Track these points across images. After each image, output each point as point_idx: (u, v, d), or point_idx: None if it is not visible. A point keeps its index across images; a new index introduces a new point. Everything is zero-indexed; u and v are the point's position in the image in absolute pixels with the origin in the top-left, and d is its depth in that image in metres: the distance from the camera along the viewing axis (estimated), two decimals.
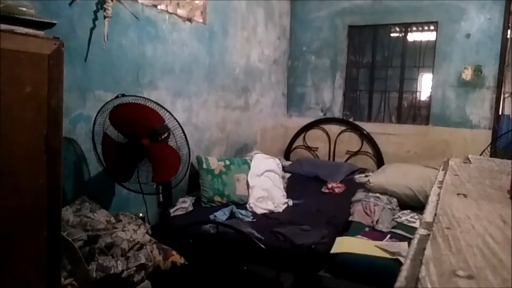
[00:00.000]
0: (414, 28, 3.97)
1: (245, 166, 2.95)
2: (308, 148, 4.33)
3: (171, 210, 2.41)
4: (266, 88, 3.96)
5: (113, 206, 2.26)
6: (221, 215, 2.45)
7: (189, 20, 2.79)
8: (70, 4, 1.94)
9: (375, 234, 2.30)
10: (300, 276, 2.04)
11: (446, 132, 3.68)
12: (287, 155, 4.38)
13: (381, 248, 2.02)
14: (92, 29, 2.06)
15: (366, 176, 3.44)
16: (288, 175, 3.46)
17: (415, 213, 2.70)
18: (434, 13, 3.69)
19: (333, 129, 4.20)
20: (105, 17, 2.07)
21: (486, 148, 3.38)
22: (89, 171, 2.15)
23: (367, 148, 4.03)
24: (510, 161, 1.09)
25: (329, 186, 3.30)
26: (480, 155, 3.30)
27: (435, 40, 3.74)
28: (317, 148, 4.29)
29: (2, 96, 1.08)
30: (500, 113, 3.50)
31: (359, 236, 2.25)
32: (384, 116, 4.11)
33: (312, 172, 3.65)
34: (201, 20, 2.95)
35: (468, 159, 1.13)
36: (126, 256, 1.66)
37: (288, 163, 4.01)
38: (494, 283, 0.33)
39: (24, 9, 1.19)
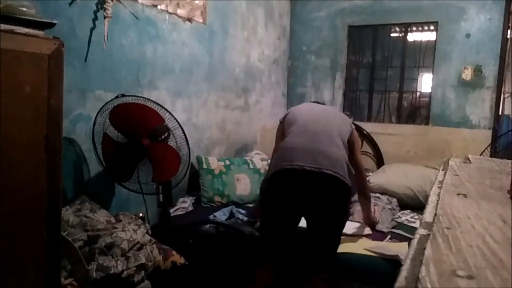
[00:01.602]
0: (414, 28, 3.97)
1: (245, 166, 2.95)
2: None
3: (171, 210, 2.40)
4: (266, 88, 3.95)
5: (113, 206, 2.26)
6: (221, 215, 2.46)
7: (189, 20, 2.79)
8: (70, 4, 1.94)
9: (375, 234, 2.30)
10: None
11: (446, 132, 3.67)
12: None
13: (371, 251, 2.02)
14: (92, 29, 2.06)
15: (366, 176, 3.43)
16: None
17: (415, 213, 2.70)
18: (434, 13, 3.68)
19: None
20: (105, 17, 2.08)
21: (486, 148, 3.38)
22: (89, 171, 2.15)
23: (367, 148, 4.02)
24: (510, 161, 1.09)
25: None
26: (480, 155, 3.31)
27: (435, 40, 3.73)
28: None
29: (2, 96, 1.08)
30: (500, 113, 3.50)
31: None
32: (384, 116, 4.10)
33: None
34: (201, 20, 2.94)
35: (468, 159, 1.14)
36: (126, 256, 1.66)
37: None
38: (494, 283, 0.33)
39: (24, 9, 1.19)
